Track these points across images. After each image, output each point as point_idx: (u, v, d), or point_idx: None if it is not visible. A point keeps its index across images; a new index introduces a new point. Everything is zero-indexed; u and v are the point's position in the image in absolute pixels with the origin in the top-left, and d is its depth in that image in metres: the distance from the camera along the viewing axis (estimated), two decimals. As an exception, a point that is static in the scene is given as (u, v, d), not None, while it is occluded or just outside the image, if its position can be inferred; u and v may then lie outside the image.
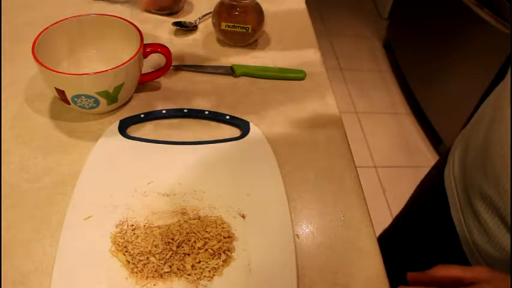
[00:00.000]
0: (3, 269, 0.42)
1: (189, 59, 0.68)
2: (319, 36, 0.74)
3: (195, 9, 0.79)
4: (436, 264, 0.41)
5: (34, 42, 0.54)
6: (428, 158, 1.75)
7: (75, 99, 0.54)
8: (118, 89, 0.55)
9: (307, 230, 0.48)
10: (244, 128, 0.56)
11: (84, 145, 0.55)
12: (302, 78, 0.67)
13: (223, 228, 0.46)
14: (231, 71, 0.66)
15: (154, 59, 0.59)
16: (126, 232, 0.44)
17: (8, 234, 0.45)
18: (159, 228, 0.45)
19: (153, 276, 0.41)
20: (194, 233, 0.45)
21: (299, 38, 0.75)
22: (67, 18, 0.59)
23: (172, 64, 0.61)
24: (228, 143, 0.54)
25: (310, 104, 0.63)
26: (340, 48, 2.29)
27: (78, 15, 0.60)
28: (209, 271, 0.42)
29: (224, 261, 0.43)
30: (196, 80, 0.65)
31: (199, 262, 0.43)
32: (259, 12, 0.71)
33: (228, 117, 0.58)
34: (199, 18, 0.76)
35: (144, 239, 0.44)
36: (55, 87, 0.53)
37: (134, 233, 0.44)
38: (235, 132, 0.57)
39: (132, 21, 0.59)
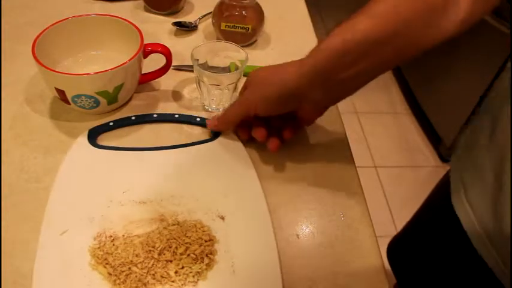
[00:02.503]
0: (3, 269, 0.42)
1: (189, 59, 0.68)
2: (319, 36, 0.74)
3: (195, 9, 0.79)
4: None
5: (34, 42, 0.54)
6: (428, 158, 1.75)
7: (75, 99, 0.54)
8: (118, 89, 0.55)
9: (307, 230, 0.48)
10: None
11: (84, 145, 0.54)
12: (302, 78, 0.67)
13: (203, 231, 0.45)
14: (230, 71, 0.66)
15: (154, 59, 0.59)
16: (105, 244, 0.43)
17: (8, 234, 0.45)
18: (139, 237, 0.44)
19: (136, 287, 0.41)
20: (175, 238, 0.44)
21: (299, 38, 0.75)
22: (67, 18, 0.59)
23: (172, 64, 0.61)
24: (201, 145, 0.54)
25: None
26: (340, 48, 2.28)
27: (78, 15, 0.60)
28: (193, 276, 0.42)
29: (207, 264, 0.43)
30: (196, 80, 0.65)
31: (183, 268, 0.42)
32: (259, 12, 0.71)
33: (198, 119, 0.57)
34: (199, 18, 0.76)
35: (124, 250, 0.43)
36: (55, 87, 0.53)
37: (113, 244, 0.43)
38: (208, 134, 0.57)
39: (132, 21, 0.59)
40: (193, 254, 0.43)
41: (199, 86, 0.58)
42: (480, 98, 1.45)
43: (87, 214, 0.46)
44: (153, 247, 0.43)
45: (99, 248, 0.43)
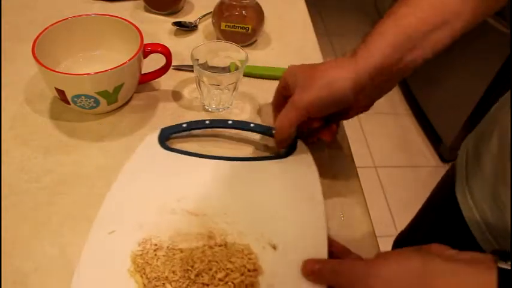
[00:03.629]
0: (3, 269, 0.42)
1: (189, 59, 0.68)
2: (319, 36, 0.74)
3: (195, 9, 0.79)
4: None
5: (34, 42, 0.54)
6: (428, 158, 1.75)
7: (75, 99, 0.54)
8: (118, 89, 0.55)
9: (307, 230, 0.48)
10: (291, 146, 0.52)
11: (84, 145, 0.55)
12: (302, 78, 0.67)
13: (249, 259, 0.41)
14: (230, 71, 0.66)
15: (154, 59, 0.59)
16: (147, 252, 0.42)
17: (8, 234, 0.45)
18: (181, 251, 0.42)
19: None
20: (217, 262, 0.41)
21: (299, 38, 0.75)
22: (67, 18, 0.59)
23: (172, 64, 0.61)
24: (271, 161, 0.50)
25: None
26: (340, 48, 2.29)
27: (78, 15, 0.60)
28: None
29: None
30: (196, 80, 0.65)
31: None
32: (259, 12, 0.71)
33: (274, 131, 0.52)
34: (199, 18, 0.76)
35: (164, 263, 0.41)
36: (55, 87, 0.53)
37: (155, 254, 0.42)
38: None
39: (132, 21, 0.59)
40: (232, 282, 0.40)
41: (199, 86, 0.58)
42: (480, 98, 1.45)
43: (138, 217, 0.45)
44: (192, 267, 0.41)
45: (141, 255, 0.42)
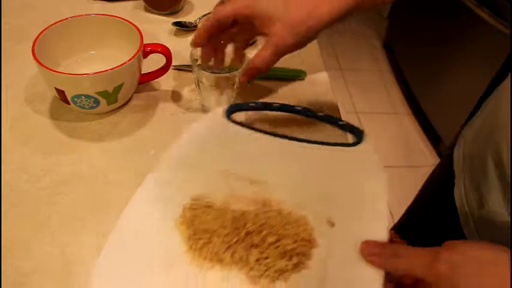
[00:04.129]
0: (3, 269, 0.42)
1: (189, 59, 0.68)
2: (319, 36, 0.73)
3: (195, 9, 0.79)
4: None
5: (34, 42, 0.54)
6: (428, 158, 1.75)
7: (75, 99, 0.54)
8: (118, 89, 0.55)
9: (307, 230, 0.48)
10: (357, 136, 0.51)
11: (84, 145, 0.55)
12: (302, 78, 0.67)
13: (305, 229, 0.40)
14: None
15: (154, 59, 0.59)
16: (198, 208, 0.41)
17: (8, 234, 0.45)
18: (233, 212, 0.41)
19: (211, 259, 0.38)
20: (270, 225, 0.40)
21: (299, 38, 0.75)
22: (67, 18, 0.59)
23: (172, 64, 0.61)
24: (336, 147, 0.49)
25: (310, 104, 0.63)
26: (340, 48, 2.29)
27: (78, 15, 0.60)
28: (275, 271, 0.37)
29: (295, 265, 0.38)
30: (196, 80, 0.65)
31: (266, 258, 0.38)
32: (259, 12, 0.70)
33: (341, 122, 0.52)
34: (199, 18, 0.76)
35: (214, 218, 0.40)
36: (55, 87, 0.53)
37: (207, 210, 0.41)
38: (342, 138, 0.54)
39: (132, 21, 0.59)
40: (284, 248, 0.38)
41: (199, 86, 0.58)
42: (480, 98, 1.45)
43: (196, 174, 0.44)
44: (243, 226, 0.39)
45: (191, 208, 0.41)
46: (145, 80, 0.61)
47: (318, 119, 0.53)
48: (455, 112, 1.60)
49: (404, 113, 1.95)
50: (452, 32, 1.62)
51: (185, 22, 0.75)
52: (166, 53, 0.59)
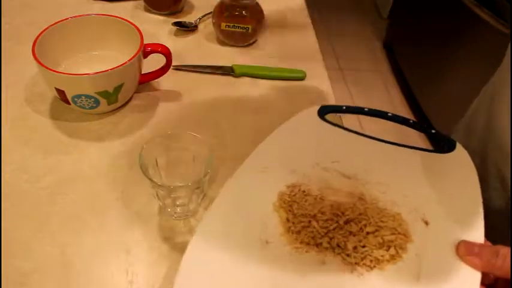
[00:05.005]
0: (3, 269, 0.42)
1: (189, 59, 0.68)
2: (319, 36, 0.74)
3: (195, 9, 0.79)
4: None
5: (34, 43, 0.54)
6: (428, 158, 1.75)
7: (75, 100, 0.54)
8: (118, 89, 0.55)
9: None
10: (446, 144, 0.51)
11: (84, 145, 0.55)
12: (302, 78, 0.67)
13: (400, 224, 0.40)
14: (231, 71, 0.66)
15: (155, 59, 0.59)
16: (296, 194, 0.42)
17: (8, 234, 0.45)
18: (331, 201, 0.42)
19: (308, 243, 0.38)
20: (368, 216, 0.40)
21: (299, 38, 0.75)
22: (67, 18, 0.59)
23: (172, 64, 0.61)
24: (429, 153, 0.49)
25: (310, 104, 0.63)
26: (340, 48, 2.29)
27: (79, 16, 0.60)
28: (371, 261, 0.37)
29: (392, 256, 0.38)
30: (197, 80, 0.65)
31: (364, 247, 0.38)
32: (259, 12, 0.71)
33: (433, 131, 0.53)
34: (199, 19, 0.76)
35: (313, 204, 0.41)
36: (55, 88, 0.53)
37: (304, 197, 0.42)
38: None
39: (132, 21, 0.59)
40: (382, 238, 0.39)
41: (157, 195, 0.47)
42: (480, 98, 1.45)
43: (291, 165, 0.45)
44: (343, 213, 0.40)
45: (288, 195, 0.42)
46: (146, 80, 0.61)
47: (408, 126, 0.53)
48: (455, 112, 1.60)
49: (404, 113, 1.95)
50: (452, 32, 1.62)
51: (185, 22, 0.75)
52: (167, 53, 0.59)
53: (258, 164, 0.45)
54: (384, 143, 0.50)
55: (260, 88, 0.65)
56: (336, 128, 0.51)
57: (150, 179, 0.43)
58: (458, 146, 0.50)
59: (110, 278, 0.43)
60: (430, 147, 0.51)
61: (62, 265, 0.43)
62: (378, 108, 0.54)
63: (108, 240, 0.46)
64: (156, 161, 0.47)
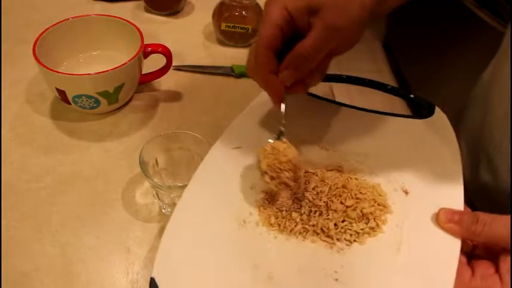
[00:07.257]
0: (3, 269, 0.42)
1: (189, 59, 0.68)
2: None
3: (195, 9, 0.79)
4: None
5: (35, 43, 0.54)
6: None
7: (76, 100, 0.54)
8: (118, 89, 0.55)
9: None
10: (425, 109, 0.51)
11: (85, 145, 0.55)
12: (302, 79, 0.67)
13: (379, 195, 0.40)
14: (231, 71, 0.66)
15: (155, 59, 0.59)
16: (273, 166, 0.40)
17: (8, 234, 0.45)
18: (313, 173, 0.42)
19: (291, 231, 0.38)
20: (347, 189, 0.40)
21: (299, 39, 0.75)
22: (68, 18, 0.59)
23: (173, 64, 0.61)
24: (406, 118, 0.49)
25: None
26: (340, 48, 2.29)
27: (79, 16, 0.60)
28: (351, 235, 0.37)
29: (371, 228, 0.38)
30: (197, 80, 0.65)
31: (343, 221, 0.38)
32: (259, 12, 0.71)
33: (411, 95, 0.52)
34: None
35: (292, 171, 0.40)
36: (56, 88, 0.53)
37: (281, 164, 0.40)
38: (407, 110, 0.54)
39: (132, 21, 0.59)
40: (361, 211, 0.39)
41: (157, 195, 0.47)
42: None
43: (263, 138, 0.43)
44: (322, 192, 0.40)
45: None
46: (146, 80, 0.61)
47: (387, 92, 0.53)
48: (455, 112, 1.60)
49: (405, 113, 1.95)
50: (452, 32, 1.62)
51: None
52: (167, 53, 0.59)
53: (232, 142, 0.44)
54: (361, 111, 0.49)
55: (260, 88, 0.65)
56: (311, 98, 0.50)
57: (150, 179, 0.44)
58: (437, 110, 0.50)
59: (110, 277, 0.43)
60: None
61: (62, 265, 0.43)
62: (355, 75, 0.54)
63: (108, 240, 0.46)
64: (156, 161, 0.47)
